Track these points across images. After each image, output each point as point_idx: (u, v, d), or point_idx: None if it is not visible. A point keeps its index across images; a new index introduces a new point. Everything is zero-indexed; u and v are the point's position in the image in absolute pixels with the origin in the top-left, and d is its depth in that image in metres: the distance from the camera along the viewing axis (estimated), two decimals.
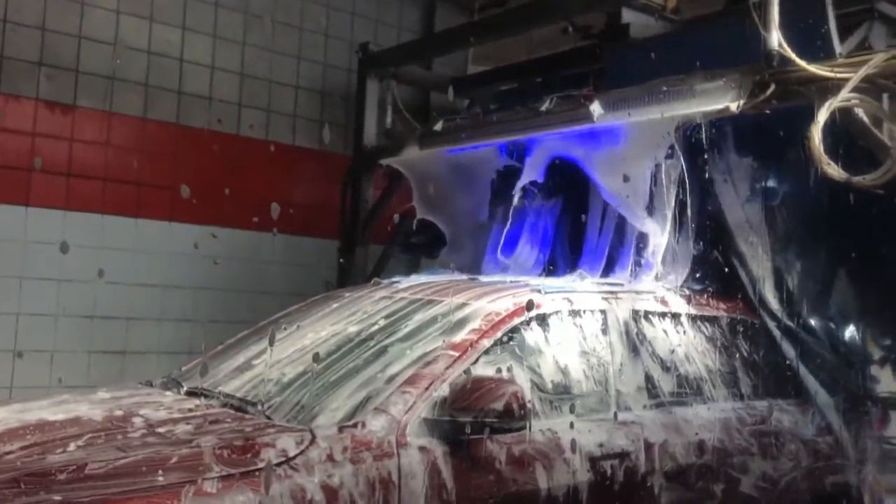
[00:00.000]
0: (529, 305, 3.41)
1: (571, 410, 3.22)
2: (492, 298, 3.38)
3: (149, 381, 3.56)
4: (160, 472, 2.33)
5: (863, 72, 3.47)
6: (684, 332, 3.85)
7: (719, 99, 3.86)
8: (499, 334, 3.17)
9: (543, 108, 4.60)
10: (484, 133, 5.01)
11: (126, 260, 5.86)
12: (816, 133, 3.52)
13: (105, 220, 5.81)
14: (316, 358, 3.20)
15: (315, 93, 6.85)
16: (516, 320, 3.26)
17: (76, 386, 5.09)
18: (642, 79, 4.20)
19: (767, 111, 3.88)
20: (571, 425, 3.17)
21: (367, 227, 6.15)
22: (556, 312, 3.42)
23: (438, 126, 5.30)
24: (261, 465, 2.44)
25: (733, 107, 3.78)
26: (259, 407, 2.95)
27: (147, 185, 5.98)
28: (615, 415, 3.34)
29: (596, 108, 4.28)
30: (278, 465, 2.47)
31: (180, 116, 6.15)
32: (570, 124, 4.42)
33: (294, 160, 6.67)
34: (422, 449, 2.76)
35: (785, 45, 3.66)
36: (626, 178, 4.04)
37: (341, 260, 6.13)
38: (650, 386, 3.53)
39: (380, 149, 5.99)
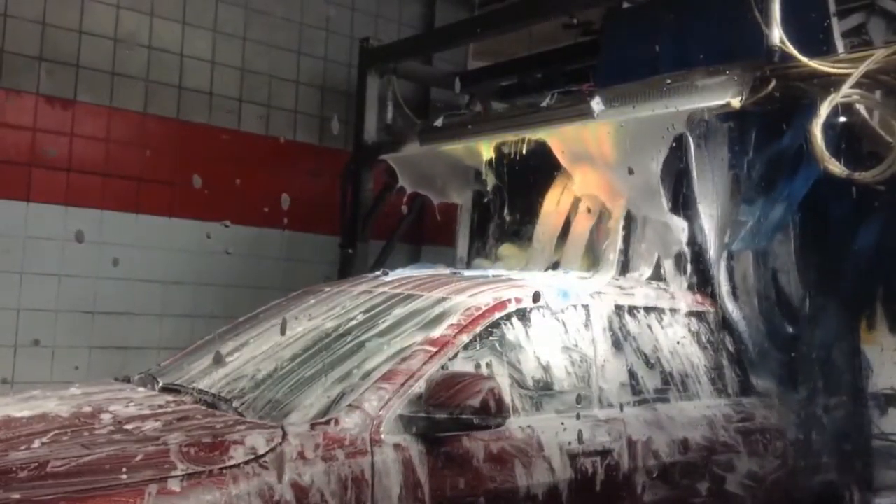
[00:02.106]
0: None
1: (551, 407, 3.19)
2: (472, 293, 3.34)
3: (127, 377, 3.54)
4: (124, 470, 2.29)
5: (864, 67, 3.45)
6: (670, 327, 3.81)
7: (720, 94, 3.83)
8: (478, 329, 3.12)
9: (544, 103, 4.59)
10: (485, 129, 5.00)
11: (126, 255, 5.86)
12: (818, 129, 3.52)
13: (105, 215, 5.81)
14: (292, 353, 3.15)
15: (315, 88, 6.84)
16: (497, 315, 3.21)
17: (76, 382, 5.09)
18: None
19: (769, 106, 3.88)
20: (565, 419, 3.15)
21: (367, 223, 6.14)
22: (538, 307, 3.37)
23: (439, 122, 5.30)
24: (229, 462, 2.40)
25: (735, 102, 3.77)
26: (232, 403, 2.91)
27: (147, 181, 5.98)
28: (598, 410, 3.30)
29: (597, 103, 4.26)
30: (246, 463, 2.42)
31: (181, 112, 6.15)
32: (571, 120, 4.40)
33: (294, 156, 6.67)
34: (396, 446, 2.71)
35: (786, 40, 3.65)
36: (630, 171, 4.00)
37: (350, 251, 6.09)
38: (633, 382, 3.49)
39: (380, 144, 5.98)
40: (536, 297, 3.42)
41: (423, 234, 7.02)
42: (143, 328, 5.89)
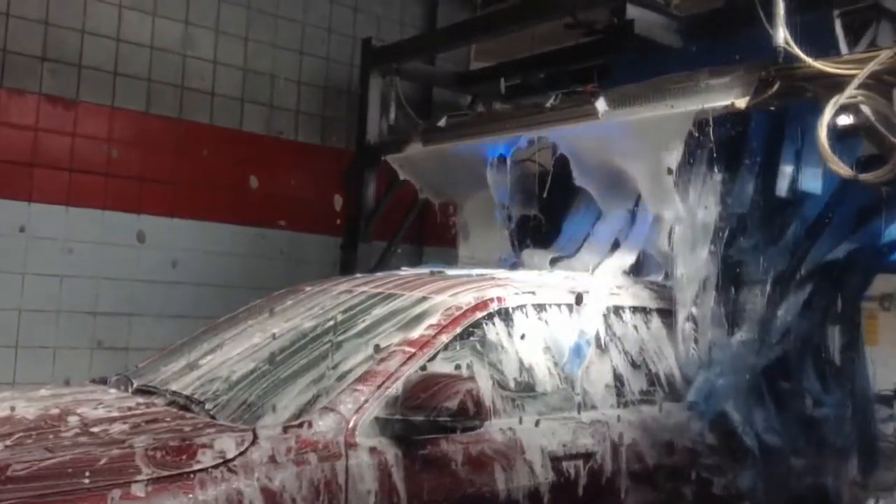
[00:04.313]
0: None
1: (534, 409, 3.13)
2: (453, 292, 3.27)
3: (103, 378, 3.48)
4: (87, 474, 2.23)
5: (869, 68, 3.43)
6: (656, 327, 3.76)
7: (725, 95, 3.81)
8: (459, 330, 3.05)
9: (548, 104, 4.59)
10: (488, 129, 4.99)
11: (128, 255, 5.87)
12: (823, 130, 3.51)
13: (107, 215, 5.81)
14: (269, 354, 3.10)
15: (317, 88, 6.84)
16: (478, 315, 3.14)
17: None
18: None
19: (773, 107, 3.88)
20: (538, 423, 3.09)
21: (369, 224, 6.13)
22: (521, 307, 3.31)
23: (442, 122, 5.29)
24: (196, 467, 2.34)
25: (739, 103, 3.76)
26: (204, 405, 2.85)
27: (149, 181, 5.98)
28: (582, 412, 3.25)
29: (601, 104, 4.25)
30: (215, 467, 2.36)
31: (183, 111, 6.15)
32: (576, 121, 4.39)
33: (296, 155, 6.67)
34: (372, 450, 2.65)
35: (791, 41, 3.65)
36: (669, 171, 3.93)
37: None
38: (618, 384, 3.43)
39: (383, 145, 5.98)
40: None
41: (424, 234, 7.02)
42: (145, 329, 5.88)
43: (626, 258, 4.12)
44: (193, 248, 6.13)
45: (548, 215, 4.93)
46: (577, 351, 3.36)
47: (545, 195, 4.81)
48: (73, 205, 5.67)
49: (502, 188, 4.92)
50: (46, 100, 5.61)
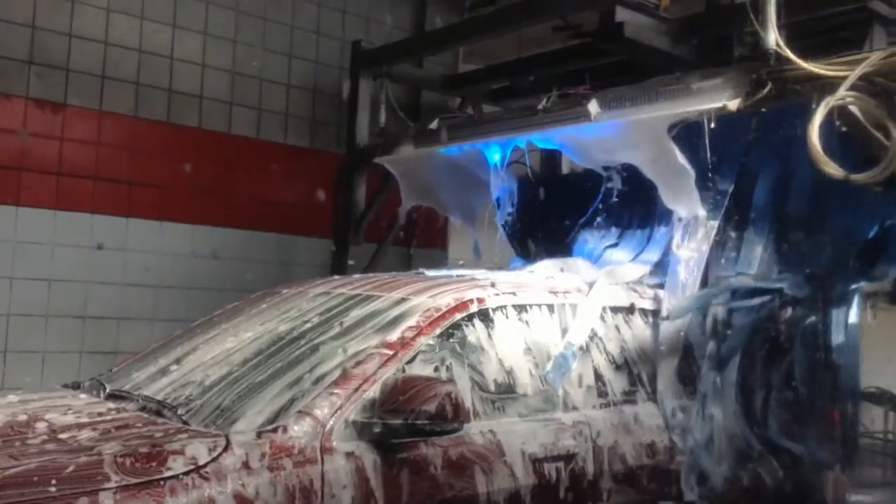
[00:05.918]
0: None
1: (514, 410, 3.11)
2: (433, 294, 3.23)
3: (77, 383, 3.44)
4: (53, 482, 2.18)
5: (860, 70, 3.47)
6: (638, 327, 3.73)
7: (717, 97, 3.83)
8: (438, 331, 3.02)
9: (540, 106, 4.60)
10: (480, 132, 4.99)
11: (117, 260, 5.83)
12: (814, 131, 3.55)
13: (95, 219, 5.77)
14: (243, 358, 3.06)
15: (306, 91, 6.83)
16: (457, 316, 3.11)
17: None
18: None
19: (763, 109, 3.92)
20: (518, 425, 3.06)
21: (360, 226, 6.13)
22: (501, 308, 3.28)
23: (434, 125, 5.29)
24: (167, 474, 2.30)
25: (731, 105, 3.79)
26: (177, 411, 2.80)
27: (138, 185, 5.94)
28: (563, 414, 3.23)
29: (593, 106, 4.27)
30: (186, 473, 2.32)
31: (171, 115, 6.12)
32: (568, 122, 4.41)
33: (285, 158, 6.65)
34: (349, 455, 2.61)
35: (782, 43, 3.69)
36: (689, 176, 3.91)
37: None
38: (600, 384, 3.41)
39: (373, 147, 5.97)
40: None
41: (413, 237, 7.03)
42: (135, 333, 5.84)
43: (635, 271, 4.10)
44: (184, 252, 6.11)
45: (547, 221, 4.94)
46: (562, 362, 3.33)
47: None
48: (61, 209, 5.63)
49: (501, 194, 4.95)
50: (34, 104, 5.56)
